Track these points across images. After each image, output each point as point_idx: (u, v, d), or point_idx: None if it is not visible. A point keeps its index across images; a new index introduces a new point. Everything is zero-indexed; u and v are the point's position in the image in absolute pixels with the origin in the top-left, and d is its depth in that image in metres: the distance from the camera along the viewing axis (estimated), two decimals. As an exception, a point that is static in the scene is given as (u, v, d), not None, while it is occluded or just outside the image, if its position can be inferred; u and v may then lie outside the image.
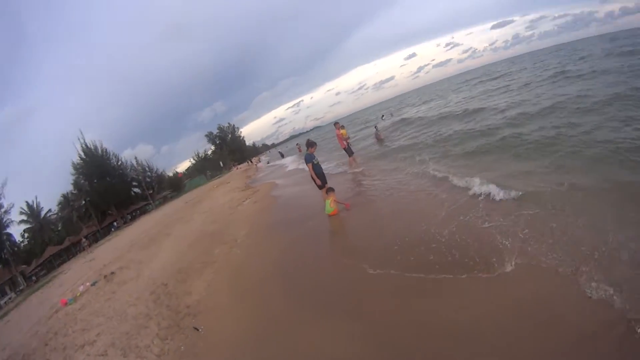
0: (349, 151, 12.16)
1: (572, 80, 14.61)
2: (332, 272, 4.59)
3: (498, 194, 5.03)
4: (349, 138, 12.68)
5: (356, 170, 11.12)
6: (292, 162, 25.17)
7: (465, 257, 3.75)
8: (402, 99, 70.15)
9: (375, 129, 19.23)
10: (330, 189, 7.10)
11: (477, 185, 5.58)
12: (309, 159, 7.50)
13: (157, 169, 60.75)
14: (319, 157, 8.24)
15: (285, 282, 4.77)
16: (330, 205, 6.86)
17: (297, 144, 38.67)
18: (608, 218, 3.63)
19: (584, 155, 5.94)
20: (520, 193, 4.81)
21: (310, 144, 7.74)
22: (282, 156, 37.83)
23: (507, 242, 3.75)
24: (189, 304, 5.23)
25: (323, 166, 8.08)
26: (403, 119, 22.02)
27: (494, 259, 3.54)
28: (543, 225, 3.85)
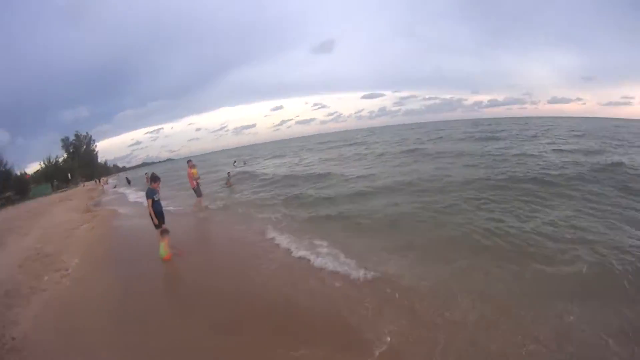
0: (197, 192, 11.99)
1: (426, 157, 17.07)
2: (155, 328, 4.42)
3: (338, 265, 5.42)
4: (199, 178, 12.43)
5: (201, 214, 11.05)
6: (136, 193, 23.36)
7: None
8: (259, 148, 71.96)
9: (227, 175, 19.63)
10: (165, 232, 6.81)
11: (316, 256, 5.92)
12: (150, 194, 7.22)
13: (6, 162, 50.84)
14: (164, 192, 8.09)
15: (112, 333, 4.46)
16: (164, 249, 6.58)
17: (145, 174, 36.08)
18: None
19: (431, 234, 6.54)
20: (372, 273, 5.03)
21: (154, 179, 7.45)
22: (129, 183, 34.42)
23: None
24: (14, 336, 4.67)
25: (166, 204, 7.97)
26: (250, 172, 22.46)
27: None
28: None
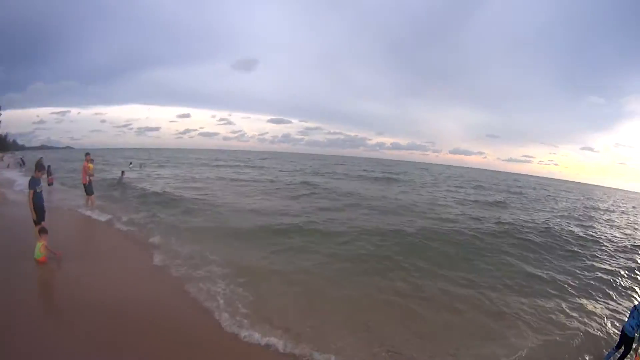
0: (88, 189, 11.00)
1: (314, 191, 18.20)
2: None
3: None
4: (93, 175, 11.37)
5: (90, 213, 10.26)
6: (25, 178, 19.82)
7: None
8: (159, 153, 68.28)
9: (121, 174, 18.68)
10: (43, 230, 6.16)
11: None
12: (33, 184, 6.58)
13: None
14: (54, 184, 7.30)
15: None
16: (40, 250, 5.91)
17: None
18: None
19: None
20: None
21: (40, 167, 6.84)
22: (23, 164, 28.65)
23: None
24: None
25: (51, 198, 7.20)
26: (139, 178, 21.12)
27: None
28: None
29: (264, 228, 9.62)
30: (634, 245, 12.59)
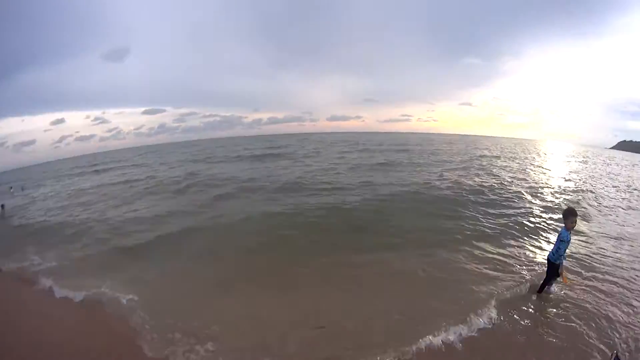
0: None
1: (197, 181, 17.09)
2: None
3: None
4: None
5: None
6: None
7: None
8: (38, 170, 59.66)
9: (1, 208, 16.51)
10: None
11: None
12: None
13: None
14: None
15: None
16: None
17: None
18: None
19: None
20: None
21: None
22: None
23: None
24: None
25: None
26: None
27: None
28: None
29: (162, 237, 8.91)
30: (538, 187, 13.70)
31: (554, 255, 5.06)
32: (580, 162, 32.98)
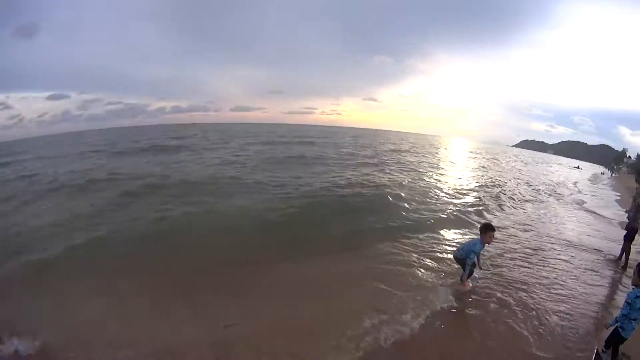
0: None
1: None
2: None
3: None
4: None
5: None
6: None
7: None
8: None
9: None
10: None
11: None
12: None
13: None
14: None
15: None
16: None
17: None
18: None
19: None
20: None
21: None
22: None
23: None
24: None
25: None
26: None
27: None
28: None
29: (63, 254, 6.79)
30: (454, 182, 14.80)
31: (461, 254, 5.10)
32: (486, 158, 37.73)
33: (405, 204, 10.28)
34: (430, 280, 5.56)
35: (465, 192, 13.51)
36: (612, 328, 3.53)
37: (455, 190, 13.41)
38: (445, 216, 9.57)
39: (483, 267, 5.67)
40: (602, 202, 17.73)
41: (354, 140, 40.81)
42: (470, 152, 48.68)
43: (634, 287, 3.39)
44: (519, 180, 21.04)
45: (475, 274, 5.46)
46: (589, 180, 35.61)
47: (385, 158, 23.04)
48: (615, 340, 3.46)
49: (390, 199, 10.87)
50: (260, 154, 20.74)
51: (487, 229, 4.95)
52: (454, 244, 7.27)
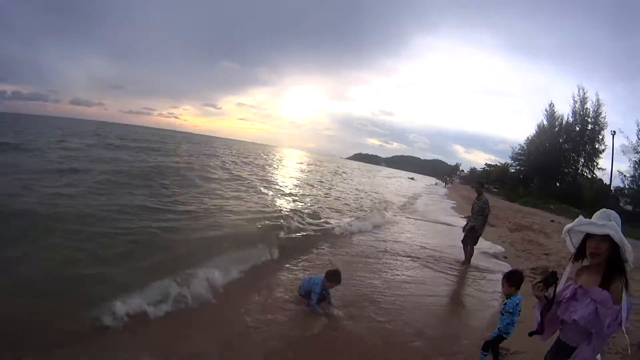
0: None
1: None
2: None
3: None
4: None
5: None
6: None
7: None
8: None
9: None
10: None
11: None
12: None
13: None
14: None
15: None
16: None
17: None
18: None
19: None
20: None
21: None
22: None
23: None
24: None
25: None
26: None
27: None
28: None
29: None
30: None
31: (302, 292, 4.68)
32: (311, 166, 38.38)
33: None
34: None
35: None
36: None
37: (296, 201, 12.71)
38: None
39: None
40: (440, 210, 19.51)
41: (197, 147, 35.96)
42: (301, 162, 48.28)
43: (507, 296, 3.51)
44: (357, 190, 21.10)
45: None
46: (427, 190, 38.35)
47: (232, 166, 21.39)
48: (497, 342, 3.63)
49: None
50: (102, 162, 13.91)
51: (332, 279, 4.53)
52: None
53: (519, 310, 3.46)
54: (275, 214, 9.09)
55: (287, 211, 9.73)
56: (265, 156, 44.03)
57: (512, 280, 3.51)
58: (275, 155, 53.39)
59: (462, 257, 7.67)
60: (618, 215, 1.95)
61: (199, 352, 3.29)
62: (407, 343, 4.02)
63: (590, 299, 1.84)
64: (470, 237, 7.43)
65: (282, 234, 7.29)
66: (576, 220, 2.04)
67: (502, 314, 3.50)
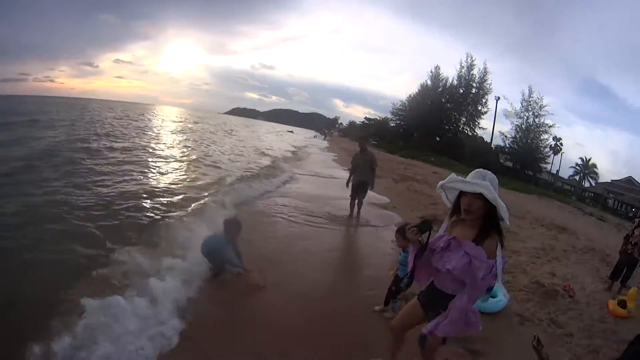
0: None
1: None
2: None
3: None
4: None
5: None
6: None
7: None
8: None
9: None
10: None
11: None
12: None
13: None
14: None
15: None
16: None
17: None
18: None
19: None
20: None
21: None
22: None
23: None
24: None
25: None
26: None
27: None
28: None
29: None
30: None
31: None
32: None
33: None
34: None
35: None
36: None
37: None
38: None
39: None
40: (322, 162, 19.39)
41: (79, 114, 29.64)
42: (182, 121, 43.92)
43: (402, 248, 3.50)
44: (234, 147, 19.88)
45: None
46: (308, 143, 37.34)
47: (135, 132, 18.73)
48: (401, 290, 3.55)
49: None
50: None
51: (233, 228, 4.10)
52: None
53: None
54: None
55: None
56: (146, 118, 38.67)
57: (404, 232, 3.55)
58: (153, 116, 46.93)
59: (353, 210, 7.55)
60: (494, 176, 1.97)
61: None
62: (322, 300, 3.90)
63: (464, 252, 1.90)
64: (361, 191, 7.36)
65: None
66: (449, 177, 2.05)
67: (402, 265, 3.54)
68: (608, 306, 5.01)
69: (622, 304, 4.87)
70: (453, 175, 2.05)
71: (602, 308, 5.03)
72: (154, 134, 20.34)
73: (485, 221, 1.93)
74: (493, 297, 4.27)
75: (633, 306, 4.89)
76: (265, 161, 14.77)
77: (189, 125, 35.38)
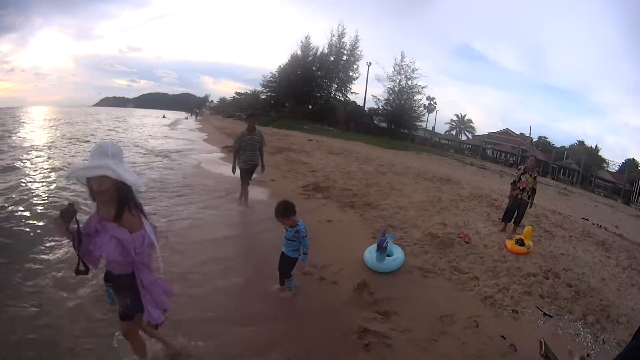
0: None
1: None
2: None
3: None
4: None
5: None
6: None
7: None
8: None
9: None
10: None
11: None
12: None
13: None
14: None
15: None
16: None
17: None
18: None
19: None
20: None
21: None
22: None
23: None
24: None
25: None
26: None
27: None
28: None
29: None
30: None
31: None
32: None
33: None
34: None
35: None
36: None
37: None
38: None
39: None
40: (192, 143, 17.88)
41: None
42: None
43: (292, 225, 3.42)
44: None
45: None
46: (180, 126, 33.35)
47: None
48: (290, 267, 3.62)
49: None
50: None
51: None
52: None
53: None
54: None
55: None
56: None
57: (287, 212, 3.41)
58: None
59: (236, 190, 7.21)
60: (117, 146, 1.93)
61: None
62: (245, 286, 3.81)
63: (110, 235, 1.87)
64: (249, 173, 6.93)
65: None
66: (70, 167, 1.93)
67: (288, 240, 3.53)
68: (506, 245, 5.36)
69: (520, 242, 5.26)
70: (74, 163, 1.99)
71: (500, 249, 5.34)
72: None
73: (118, 199, 1.90)
74: (389, 255, 4.29)
75: (530, 243, 5.35)
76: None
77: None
